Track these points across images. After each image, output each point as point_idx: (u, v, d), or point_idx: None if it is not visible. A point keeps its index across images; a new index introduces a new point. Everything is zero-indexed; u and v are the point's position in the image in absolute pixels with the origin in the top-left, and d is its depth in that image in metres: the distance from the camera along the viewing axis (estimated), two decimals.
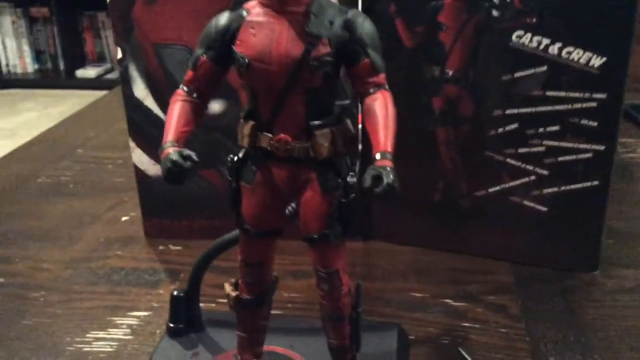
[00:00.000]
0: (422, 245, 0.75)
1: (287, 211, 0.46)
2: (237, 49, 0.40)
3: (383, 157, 0.39)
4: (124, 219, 0.85)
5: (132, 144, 0.75)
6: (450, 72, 0.66)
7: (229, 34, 0.41)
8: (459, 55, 0.66)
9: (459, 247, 0.73)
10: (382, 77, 0.41)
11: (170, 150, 0.40)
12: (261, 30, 0.40)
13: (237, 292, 0.47)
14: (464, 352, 0.56)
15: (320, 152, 0.41)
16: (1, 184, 0.98)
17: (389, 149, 0.39)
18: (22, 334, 0.62)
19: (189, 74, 0.43)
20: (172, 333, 0.57)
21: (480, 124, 0.67)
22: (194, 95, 0.43)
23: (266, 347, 0.54)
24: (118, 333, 0.62)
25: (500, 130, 0.67)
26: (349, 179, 0.42)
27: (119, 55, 0.71)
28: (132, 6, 0.68)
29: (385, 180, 0.37)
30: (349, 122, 0.43)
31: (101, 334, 0.61)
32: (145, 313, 0.65)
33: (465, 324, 0.61)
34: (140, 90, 0.72)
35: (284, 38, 0.39)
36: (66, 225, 0.84)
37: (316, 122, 0.41)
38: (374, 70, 0.40)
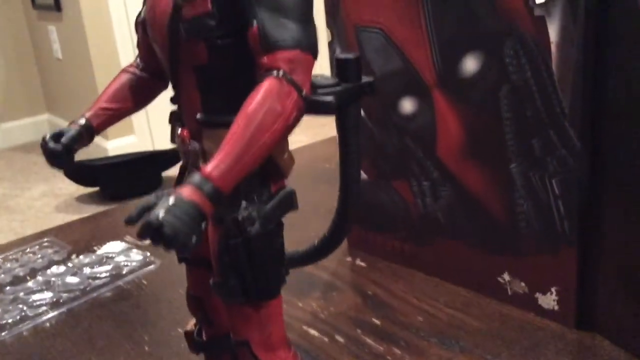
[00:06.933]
0: None
1: None
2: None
3: (192, 183, 0.24)
4: None
5: None
6: None
7: None
8: None
9: None
10: (278, 57, 0.25)
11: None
12: None
13: (192, 329, 0.37)
14: None
15: (208, 160, 0.28)
16: None
17: (214, 174, 0.24)
18: None
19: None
20: None
21: None
22: (140, 65, 0.34)
23: None
24: None
25: None
26: (242, 211, 0.27)
27: (328, 38, 0.64)
28: None
29: (151, 215, 0.22)
30: None
31: None
32: None
33: None
34: None
35: None
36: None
37: (206, 117, 0.28)
38: (263, 43, 0.25)
